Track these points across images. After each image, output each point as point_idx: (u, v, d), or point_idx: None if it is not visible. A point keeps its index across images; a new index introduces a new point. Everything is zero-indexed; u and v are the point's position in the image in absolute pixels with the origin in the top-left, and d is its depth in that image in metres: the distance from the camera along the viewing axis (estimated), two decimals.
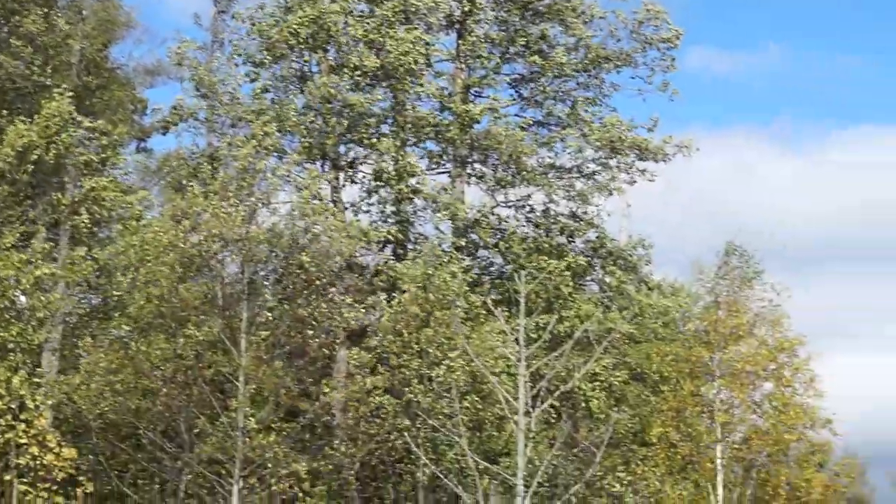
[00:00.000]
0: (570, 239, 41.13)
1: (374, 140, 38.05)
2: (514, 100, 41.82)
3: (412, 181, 38.23)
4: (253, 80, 39.54)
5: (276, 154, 37.09)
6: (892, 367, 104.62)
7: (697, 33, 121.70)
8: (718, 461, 36.57)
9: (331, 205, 36.15)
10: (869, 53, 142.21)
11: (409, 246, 39.03)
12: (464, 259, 38.67)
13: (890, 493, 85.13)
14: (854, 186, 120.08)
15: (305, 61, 39.59)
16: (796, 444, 37.68)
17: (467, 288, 36.40)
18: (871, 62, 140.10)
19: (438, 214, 39.09)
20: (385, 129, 39.17)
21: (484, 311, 35.07)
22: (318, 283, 32.98)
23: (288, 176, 36.05)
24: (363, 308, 34.38)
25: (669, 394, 37.60)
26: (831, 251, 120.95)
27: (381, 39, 38.00)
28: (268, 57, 38.99)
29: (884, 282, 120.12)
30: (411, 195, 38.66)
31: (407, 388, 34.14)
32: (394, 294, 35.23)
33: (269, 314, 32.57)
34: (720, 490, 36.47)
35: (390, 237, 38.23)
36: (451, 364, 33.98)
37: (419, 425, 33.75)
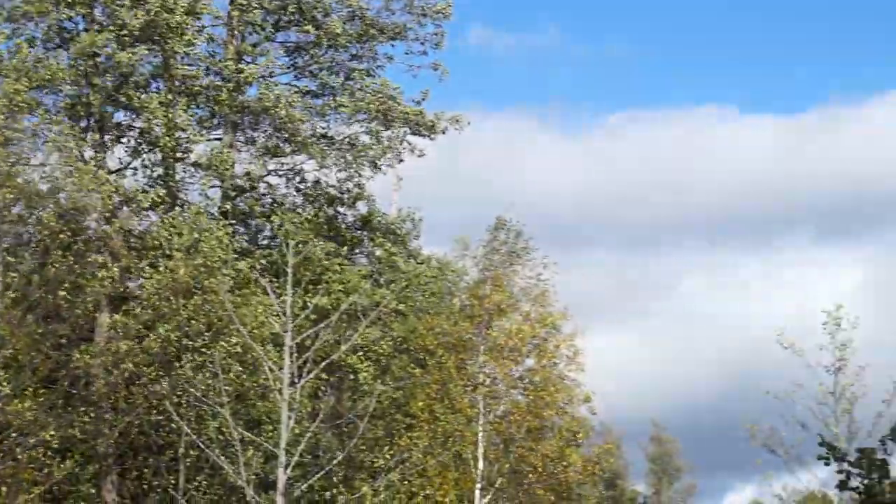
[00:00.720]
0: (339, 211, 41.00)
1: (143, 95, 37.01)
2: (288, 69, 41.35)
3: (182, 140, 37.33)
4: (12, 37, 37.97)
5: (37, 114, 35.80)
6: (652, 342, 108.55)
7: (476, 11, 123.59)
8: (480, 435, 36.86)
9: (93, 166, 35.01)
10: (637, 40, 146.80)
11: (177, 210, 38.16)
12: (232, 225, 38.05)
13: (643, 466, 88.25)
14: (622, 168, 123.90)
15: (69, 18, 38.24)
16: (556, 419, 38.16)
17: (235, 256, 35.85)
18: (639, 51, 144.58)
19: (204, 180, 38.36)
20: (154, 90, 38.14)
21: (252, 281, 34.62)
22: (66, 241, 32.09)
23: (46, 136, 34.88)
24: (128, 273, 33.55)
25: (434, 367, 37.70)
26: (598, 230, 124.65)
27: None
28: (32, 13, 37.46)
29: (647, 260, 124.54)
30: (181, 154, 37.78)
31: (169, 356, 33.45)
32: (160, 259, 34.42)
33: (23, 275, 31.48)
34: (481, 464, 36.77)
35: (157, 199, 37.27)
36: (217, 333, 33.44)
37: (180, 393, 33.10)
